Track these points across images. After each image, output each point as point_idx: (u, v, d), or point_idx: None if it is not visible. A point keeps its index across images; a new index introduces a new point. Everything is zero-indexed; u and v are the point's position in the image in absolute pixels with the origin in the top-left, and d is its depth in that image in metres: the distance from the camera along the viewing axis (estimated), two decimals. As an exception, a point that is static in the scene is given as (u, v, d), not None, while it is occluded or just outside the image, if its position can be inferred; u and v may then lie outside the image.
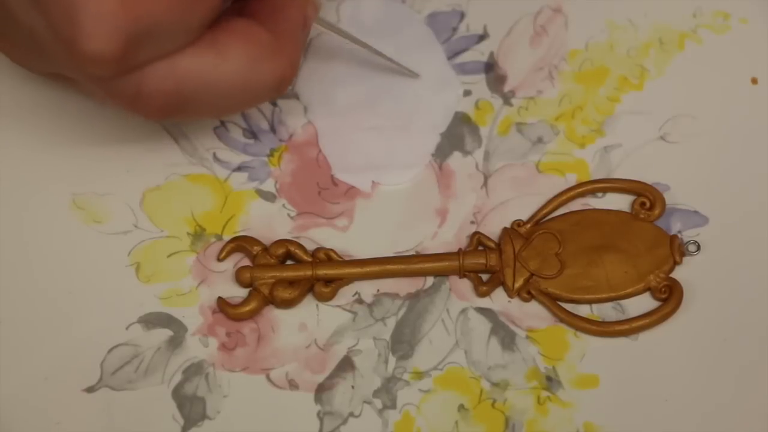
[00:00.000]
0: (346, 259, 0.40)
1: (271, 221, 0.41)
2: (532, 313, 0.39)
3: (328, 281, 0.39)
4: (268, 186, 0.41)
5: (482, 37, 0.44)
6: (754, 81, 0.43)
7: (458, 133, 0.42)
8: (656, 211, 0.40)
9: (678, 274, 0.40)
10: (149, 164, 0.41)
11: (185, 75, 0.33)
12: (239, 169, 0.42)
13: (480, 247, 0.40)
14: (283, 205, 0.41)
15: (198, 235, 0.41)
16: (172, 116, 0.35)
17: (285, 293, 0.39)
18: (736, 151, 0.42)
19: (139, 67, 0.33)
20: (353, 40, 0.41)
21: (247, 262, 0.40)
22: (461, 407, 0.38)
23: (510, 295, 0.40)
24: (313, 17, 0.38)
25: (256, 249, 0.40)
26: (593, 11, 0.44)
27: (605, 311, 0.39)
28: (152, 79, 0.33)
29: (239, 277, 0.39)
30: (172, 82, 0.33)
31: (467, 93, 0.43)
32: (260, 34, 0.35)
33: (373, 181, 0.42)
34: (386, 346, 0.39)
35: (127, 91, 0.33)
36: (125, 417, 0.38)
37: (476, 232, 0.40)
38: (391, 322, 0.39)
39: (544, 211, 0.41)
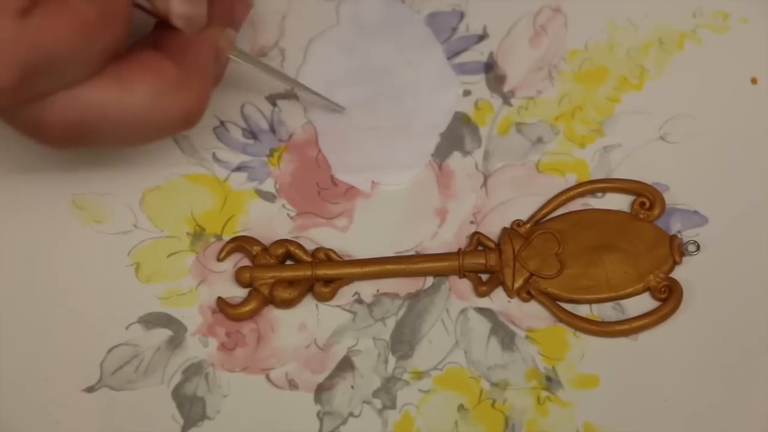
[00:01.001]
0: (346, 259, 0.40)
1: (270, 221, 0.41)
2: (532, 313, 0.39)
3: (327, 281, 0.39)
4: (268, 186, 0.41)
5: (482, 37, 0.44)
6: (754, 81, 0.43)
7: (458, 133, 0.42)
8: (656, 211, 0.40)
9: (678, 274, 0.40)
10: (149, 164, 0.41)
11: (87, 106, 0.33)
12: (239, 169, 0.42)
13: (480, 247, 0.40)
14: (283, 205, 0.41)
15: (198, 235, 0.41)
16: (75, 146, 0.35)
17: (285, 293, 0.39)
18: (736, 151, 0.42)
19: (39, 97, 0.33)
20: (273, 73, 0.41)
21: (246, 262, 0.40)
22: (461, 407, 0.38)
23: (510, 295, 0.40)
24: (227, 49, 0.37)
25: (256, 249, 0.40)
26: (593, 11, 0.44)
27: (605, 311, 0.39)
28: (54, 109, 0.33)
29: (239, 277, 0.39)
30: (74, 113, 0.33)
31: (467, 93, 0.43)
32: (166, 68, 0.34)
33: (372, 181, 0.42)
34: (386, 346, 0.39)
35: (28, 120, 0.33)
36: (125, 417, 0.38)
37: (476, 232, 0.40)
38: (391, 322, 0.39)
39: (544, 211, 0.41)
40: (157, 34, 0.36)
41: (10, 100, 0.32)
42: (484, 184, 0.41)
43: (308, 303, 0.40)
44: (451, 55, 0.44)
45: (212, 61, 0.36)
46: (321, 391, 0.38)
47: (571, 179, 0.41)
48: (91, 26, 0.32)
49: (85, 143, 0.34)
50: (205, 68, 0.36)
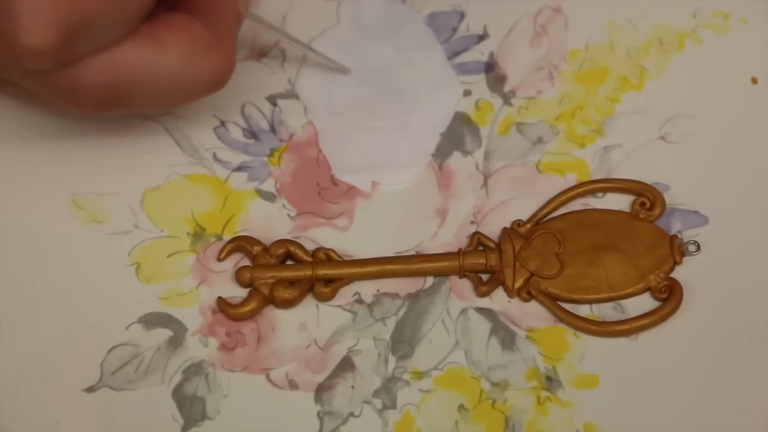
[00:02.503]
0: (346, 259, 0.40)
1: (271, 221, 0.41)
2: (532, 313, 0.39)
3: (328, 281, 0.39)
4: (268, 186, 0.41)
5: (482, 37, 0.44)
6: (754, 81, 0.43)
7: (458, 133, 0.42)
8: (656, 211, 0.40)
9: (678, 274, 0.40)
10: (149, 164, 0.41)
11: (123, 68, 0.33)
12: (239, 169, 0.42)
13: (480, 247, 0.40)
14: (283, 205, 0.41)
15: (198, 235, 0.41)
16: (109, 109, 0.35)
17: (285, 293, 0.39)
18: (736, 151, 0.42)
19: (76, 60, 0.33)
20: (283, 35, 0.41)
21: (247, 262, 0.40)
22: (461, 407, 0.38)
23: (510, 295, 0.40)
24: (245, 13, 0.38)
25: (256, 249, 0.40)
26: (593, 11, 0.44)
27: (605, 311, 0.39)
28: (89, 72, 0.33)
29: (239, 277, 0.39)
30: (110, 75, 0.33)
31: (467, 93, 0.43)
32: (197, 29, 0.35)
33: (373, 181, 0.42)
34: (386, 346, 0.39)
35: (64, 84, 0.33)
36: (125, 417, 0.38)
37: (476, 232, 0.40)
38: (391, 322, 0.39)
39: (544, 211, 0.41)
40: None
41: (50, 62, 0.32)
42: (485, 184, 0.41)
43: (308, 303, 0.40)
44: (452, 55, 0.44)
45: (235, 23, 0.36)
46: (321, 391, 0.38)
47: (572, 179, 0.41)
48: None
49: (118, 106, 0.34)
50: (232, 30, 0.36)
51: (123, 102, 0.34)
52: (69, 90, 0.33)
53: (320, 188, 0.41)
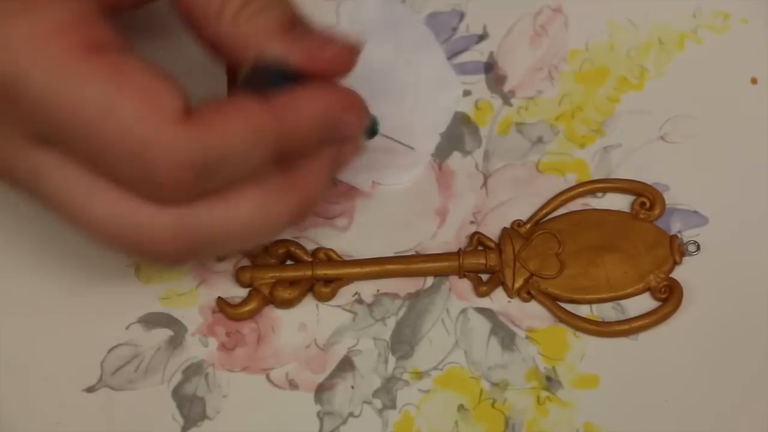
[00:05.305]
0: (346, 259, 0.40)
1: (271, 221, 0.41)
2: (532, 313, 0.39)
3: (328, 281, 0.39)
4: (268, 186, 0.41)
5: (482, 37, 0.44)
6: (754, 81, 0.43)
7: (458, 133, 0.42)
8: (656, 211, 0.40)
9: (678, 274, 0.40)
10: (149, 164, 0.41)
11: (198, 227, 0.32)
12: (239, 169, 0.42)
13: (480, 247, 0.40)
14: (283, 205, 0.41)
15: (198, 235, 0.41)
16: (184, 264, 0.36)
17: (285, 293, 0.39)
18: (736, 151, 0.42)
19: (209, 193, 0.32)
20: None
21: (246, 262, 0.40)
22: (461, 407, 0.38)
23: (510, 295, 0.40)
24: (352, 154, 0.36)
25: (256, 249, 0.40)
26: (593, 11, 0.44)
27: (605, 311, 0.39)
28: (165, 235, 0.32)
29: (239, 277, 0.39)
30: (186, 236, 0.32)
31: (467, 93, 0.43)
32: (267, 177, 0.33)
33: (373, 181, 0.42)
34: (386, 346, 0.39)
35: (139, 247, 0.32)
36: (125, 417, 0.38)
37: (476, 232, 0.40)
38: (391, 322, 0.39)
39: (544, 211, 0.41)
40: None
41: (186, 200, 0.32)
42: (484, 184, 0.41)
43: (308, 303, 0.40)
44: (451, 55, 0.44)
45: (328, 166, 0.35)
46: (321, 391, 0.38)
47: (571, 179, 0.41)
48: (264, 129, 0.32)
49: (195, 259, 0.35)
50: (318, 170, 0.35)
51: (199, 256, 0.35)
52: (144, 253, 0.33)
53: (320, 188, 0.41)
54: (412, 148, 0.41)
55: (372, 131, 0.37)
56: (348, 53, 0.34)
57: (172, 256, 0.33)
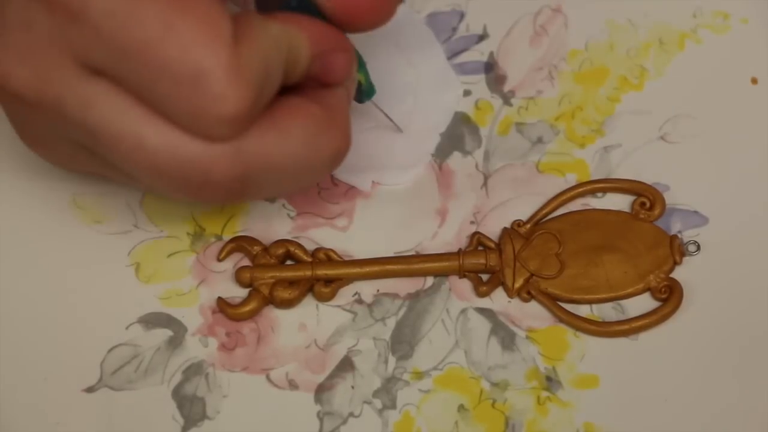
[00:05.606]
0: (346, 259, 0.40)
1: (270, 221, 0.41)
2: (532, 313, 0.39)
3: (328, 281, 0.39)
4: (268, 186, 0.41)
5: (482, 37, 0.44)
6: (754, 81, 0.43)
7: (458, 133, 0.42)
8: (656, 211, 0.40)
9: (678, 274, 0.40)
10: (149, 164, 0.41)
11: (252, 158, 0.32)
12: (239, 169, 0.42)
13: (480, 247, 0.40)
14: (283, 205, 0.41)
15: (198, 235, 0.41)
16: (234, 201, 0.35)
17: (285, 293, 0.39)
18: (736, 151, 0.42)
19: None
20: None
21: (246, 262, 0.40)
22: (461, 407, 0.38)
23: (510, 295, 0.40)
24: (352, 90, 0.37)
25: (256, 249, 0.40)
26: (593, 11, 0.44)
27: (605, 311, 0.39)
28: (220, 165, 0.32)
29: (239, 277, 0.39)
30: (240, 167, 0.32)
31: (467, 93, 0.43)
32: (315, 110, 0.34)
33: (372, 181, 0.42)
34: (386, 346, 0.39)
35: (194, 180, 0.32)
36: (125, 417, 0.38)
37: (476, 232, 0.40)
38: (391, 322, 0.39)
39: (544, 211, 0.41)
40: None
41: (246, 127, 0.32)
42: (485, 184, 0.42)
43: (308, 303, 0.40)
44: (451, 55, 0.44)
45: (347, 99, 0.36)
46: (321, 391, 0.38)
47: (571, 179, 0.41)
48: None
49: (244, 196, 0.34)
50: (345, 107, 0.36)
51: (250, 192, 0.34)
52: (199, 186, 0.32)
53: (320, 188, 0.41)
54: (400, 130, 0.42)
55: (367, 92, 0.38)
56: (386, 3, 0.35)
57: (225, 189, 0.33)
